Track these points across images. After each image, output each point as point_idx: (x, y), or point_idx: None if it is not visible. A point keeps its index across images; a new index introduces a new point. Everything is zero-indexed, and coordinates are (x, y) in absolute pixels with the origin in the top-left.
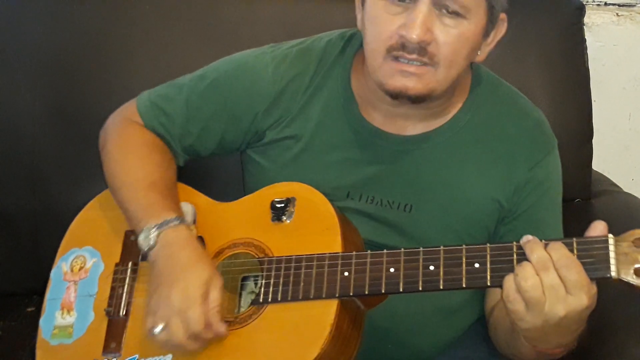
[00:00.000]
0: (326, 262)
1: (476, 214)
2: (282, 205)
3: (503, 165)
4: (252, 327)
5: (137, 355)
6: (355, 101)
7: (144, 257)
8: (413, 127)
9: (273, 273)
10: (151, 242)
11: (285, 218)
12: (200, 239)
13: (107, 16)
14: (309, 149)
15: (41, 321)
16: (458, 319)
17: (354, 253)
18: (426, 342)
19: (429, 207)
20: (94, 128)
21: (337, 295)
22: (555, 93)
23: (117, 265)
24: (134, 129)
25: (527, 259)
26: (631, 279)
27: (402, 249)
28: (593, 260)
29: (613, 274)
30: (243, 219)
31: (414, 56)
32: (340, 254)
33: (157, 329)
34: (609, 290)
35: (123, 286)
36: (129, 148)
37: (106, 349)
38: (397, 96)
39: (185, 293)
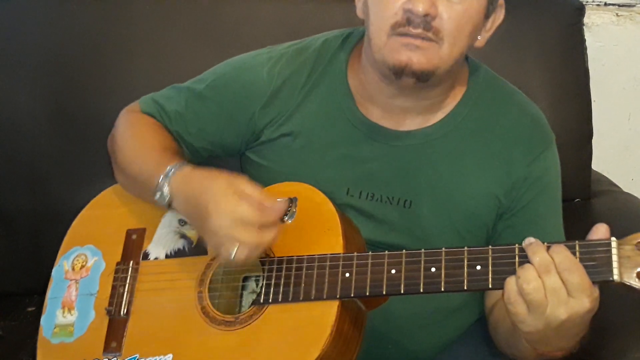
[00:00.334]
0: (327, 263)
1: (475, 209)
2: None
3: (501, 161)
4: (253, 327)
5: (137, 355)
6: (352, 97)
7: (145, 257)
8: (411, 121)
9: (274, 273)
10: (166, 196)
11: (286, 218)
12: (202, 238)
13: (107, 16)
14: (307, 146)
15: (42, 320)
16: (458, 319)
17: (355, 254)
18: (426, 342)
19: (428, 203)
20: (94, 128)
21: (338, 296)
22: (555, 93)
23: (118, 264)
24: (141, 116)
25: (529, 262)
26: (634, 282)
27: (404, 251)
28: (595, 264)
29: (615, 277)
30: None
31: (419, 30)
32: (342, 254)
33: (233, 251)
34: (611, 292)
35: (124, 285)
36: (140, 126)
37: (107, 349)
38: (401, 72)
39: (222, 206)
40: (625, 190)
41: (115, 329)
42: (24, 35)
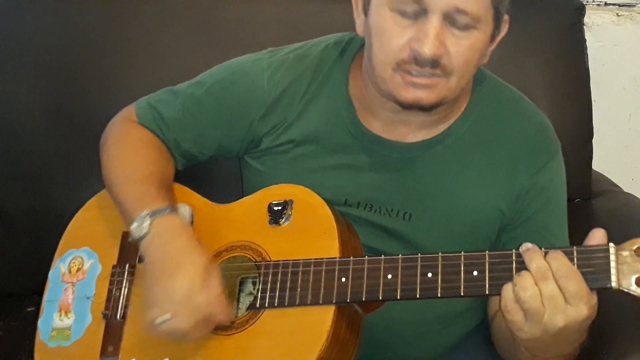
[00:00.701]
0: (323, 267)
1: (477, 222)
2: (280, 207)
3: (505, 172)
4: (249, 332)
5: (134, 359)
6: (353, 107)
7: (141, 259)
8: (413, 134)
9: (270, 278)
10: (144, 231)
11: (282, 221)
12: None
13: (107, 17)
14: (307, 155)
15: (39, 323)
16: (457, 327)
17: (352, 258)
18: (425, 350)
19: (429, 215)
20: (94, 128)
21: (334, 301)
22: (555, 93)
23: (114, 267)
24: (132, 127)
25: (526, 268)
26: (632, 289)
27: (400, 255)
28: (593, 270)
29: (613, 284)
30: (240, 221)
31: (426, 69)
32: (338, 259)
33: (163, 319)
34: (609, 297)
35: (120, 289)
36: (126, 144)
37: (104, 353)
38: (409, 107)
39: (188, 281)
40: (626, 190)
41: (112, 333)
42: (24, 35)
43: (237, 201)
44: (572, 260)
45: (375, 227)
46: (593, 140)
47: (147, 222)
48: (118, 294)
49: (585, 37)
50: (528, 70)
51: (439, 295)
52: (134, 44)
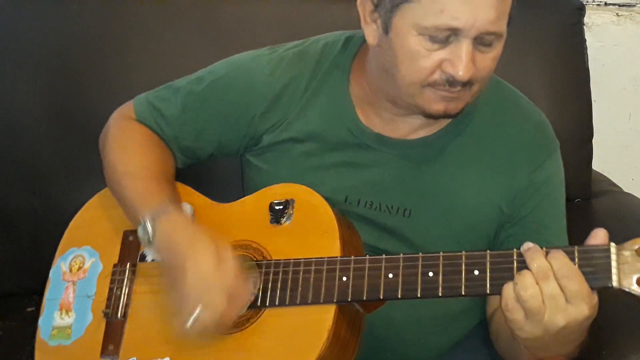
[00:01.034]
0: (324, 266)
1: (476, 219)
2: (281, 207)
3: (503, 170)
4: (250, 331)
5: (134, 358)
6: (353, 105)
7: (142, 258)
8: (413, 131)
9: (271, 277)
10: (149, 234)
11: (283, 220)
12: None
13: (107, 16)
14: (307, 152)
15: (40, 321)
16: (457, 326)
17: (353, 258)
18: (424, 350)
19: (429, 212)
20: (94, 128)
21: (335, 300)
22: (555, 93)
23: (115, 266)
24: (132, 125)
25: (527, 267)
26: (633, 288)
27: (401, 255)
28: (594, 270)
29: (614, 283)
30: (241, 220)
31: (457, 88)
32: (339, 258)
33: (194, 316)
34: (609, 295)
35: (121, 288)
36: (126, 142)
37: (104, 351)
38: (437, 117)
39: (201, 269)
40: (626, 190)
41: (113, 331)
42: (24, 35)
43: (238, 200)
44: (573, 260)
45: (375, 225)
46: (593, 140)
47: (149, 227)
48: (119, 293)
49: (585, 37)
50: (528, 70)
51: (439, 294)
52: (134, 44)
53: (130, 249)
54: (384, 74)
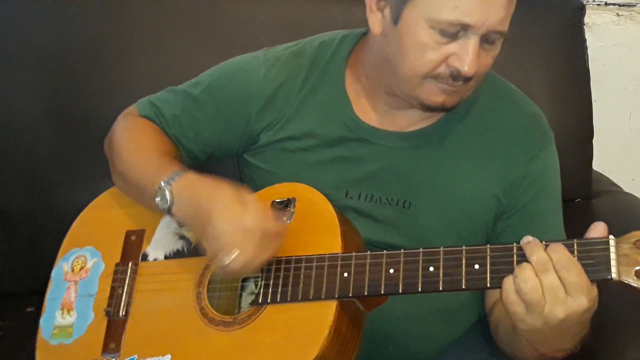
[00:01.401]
0: (325, 263)
1: (474, 209)
2: (283, 205)
3: (500, 160)
4: (251, 327)
5: (136, 356)
6: (349, 101)
7: (144, 257)
8: (409, 122)
9: (272, 274)
10: (167, 202)
11: (285, 219)
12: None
13: (107, 16)
14: (306, 149)
15: (41, 321)
16: (458, 320)
17: (354, 254)
18: (426, 344)
19: (427, 204)
20: (94, 128)
21: (336, 296)
22: (556, 93)
23: (117, 265)
24: (139, 119)
25: (527, 260)
26: (632, 280)
27: (402, 250)
28: (593, 262)
29: (614, 275)
30: None
31: (459, 83)
32: (340, 254)
33: (231, 257)
34: (610, 292)
35: (123, 286)
36: (135, 130)
37: (105, 349)
38: (434, 110)
39: (227, 215)
40: (626, 190)
41: (114, 329)
42: (24, 35)
43: None
44: (572, 252)
45: (375, 218)
46: (593, 140)
47: (167, 192)
48: (121, 292)
49: (586, 37)
50: (528, 70)
51: (440, 288)
52: (134, 44)
53: (132, 249)
54: (384, 64)
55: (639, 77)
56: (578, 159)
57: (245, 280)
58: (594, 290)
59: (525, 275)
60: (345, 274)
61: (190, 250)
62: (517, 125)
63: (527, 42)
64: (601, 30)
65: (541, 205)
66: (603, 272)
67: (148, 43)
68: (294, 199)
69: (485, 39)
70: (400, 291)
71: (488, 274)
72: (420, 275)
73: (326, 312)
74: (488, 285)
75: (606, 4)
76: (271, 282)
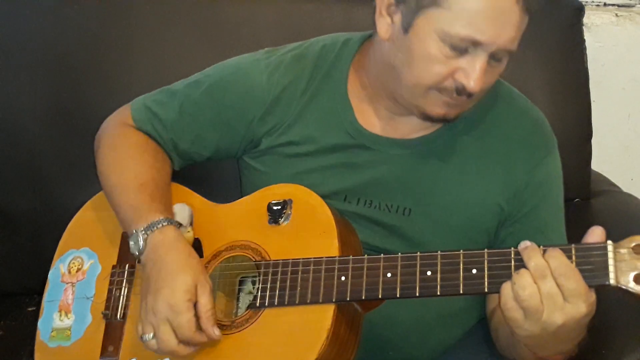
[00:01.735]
0: (323, 266)
1: (476, 217)
2: (279, 207)
3: (502, 167)
4: (249, 331)
5: (134, 359)
6: (351, 108)
7: (139, 261)
8: (413, 131)
9: (270, 277)
10: (140, 247)
11: (282, 220)
12: (197, 240)
13: (107, 16)
14: (306, 154)
15: (39, 323)
16: (458, 324)
17: (351, 257)
18: (426, 348)
19: (428, 211)
20: (94, 128)
21: (334, 300)
22: (555, 93)
23: (114, 267)
24: (127, 131)
25: (524, 266)
26: (630, 285)
27: (400, 254)
28: (592, 267)
29: (612, 281)
30: (240, 221)
31: (463, 97)
32: (337, 258)
33: (146, 337)
34: (608, 294)
35: (120, 289)
36: (121, 150)
37: (104, 353)
38: (434, 120)
39: (171, 300)
40: (625, 190)
41: (112, 332)
42: (24, 35)
43: (236, 201)
44: (570, 258)
45: (374, 223)
46: (592, 140)
47: (141, 240)
48: (118, 294)
49: (585, 37)
50: (528, 71)
51: (438, 293)
52: (134, 43)
53: (129, 251)
54: (389, 70)
55: (638, 77)
56: (577, 159)
57: (242, 282)
58: (592, 296)
59: (523, 281)
60: (343, 278)
61: None
62: (520, 132)
63: (526, 43)
64: (600, 31)
65: (544, 212)
66: (601, 278)
67: (148, 43)
68: (290, 201)
69: (493, 56)
70: (398, 295)
71: (486, 279)
72: (418, 279)
73: (324, 315)
74: (486, 290)
75: (605, 4)
76: (268, 286)
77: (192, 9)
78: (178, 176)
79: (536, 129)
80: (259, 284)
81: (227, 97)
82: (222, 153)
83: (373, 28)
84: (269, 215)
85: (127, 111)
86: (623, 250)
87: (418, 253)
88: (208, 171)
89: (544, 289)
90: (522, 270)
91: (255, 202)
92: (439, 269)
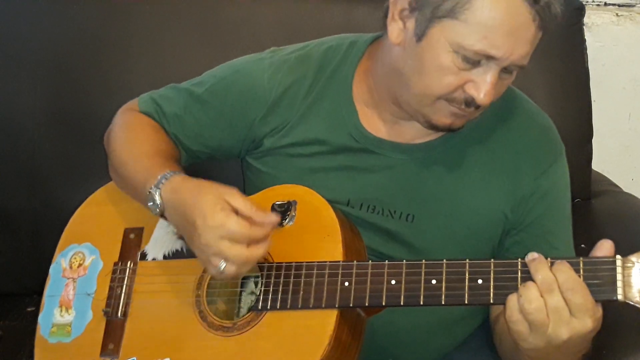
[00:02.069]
0: (326, 271)
1: (480, 224)
2: (283, 208)
3: (508, 174)
4: (251, 334)
5: (134, 358)
6: (356, 111)
7: (143, 257)
8: (417, 136)
9: (272, 280)
10: (158, 204)
11: (286, 222)
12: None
13: (107, 17)
14: (309, 156)
15: (40, 318)
16: (460, 330)
17: (355, 263)
18: (427, 353)
19: (432, 217)
20: (94, 128)
21: (337, 305)
22: (555, 93)
23: (115, 264)
24: (139, 115)
25: (531, 278)
26: (638, 300)
27: (404, 261)
28: (599, 282)
29: (619, 296)
30: None
31: (471, 109)
32: (341, 262)
33: (221, 267)
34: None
35: (122, 286)
36: (134, 126)
37: (104, 350)
38: (439, 129)
39: (209, 222)
40: (626, 191)
41: (113, 330)
42: (24, 35)
43: None
44: (578, 271)
45: (377, 229)
46: (593, 140)
47: (157, 196)
48: (119, 292)
49: (585, 37)
50: (528, 71)
51: (442, 302)
52: (134, 44)
53: (131, 247)
54: (396, 75)
55: (638, 77)
56: (577, 159)
57: (245, 278)
58: (599, 311)
59: (530, 295)
60: (346, 283)
61: (189, 250)
62: (527, 139)
63: None
64: (601, 31)
65: (550, 221)
66: (609, 293)
67: (148, 43)
68: (295, 202)
69: (504, 69)
70: (402, 303)
71: (491, 290)
72: (422, 287)
73: (327, 320)
74: (491, 301)
75: (606, 4)
76: (271, 289)
77: (192, 9)
78: None
79: (543, 136)
80: (261, 286)
81: (230, 96)
82: (225, 152)
83: (377, 30)
84: None
85: (134, 105)
86: (631, 265)
87: (423, 261)
88: (211, 172)
89: (551, 303)
90: (529, 283)
91: (259, 203)
92: (444, 277)
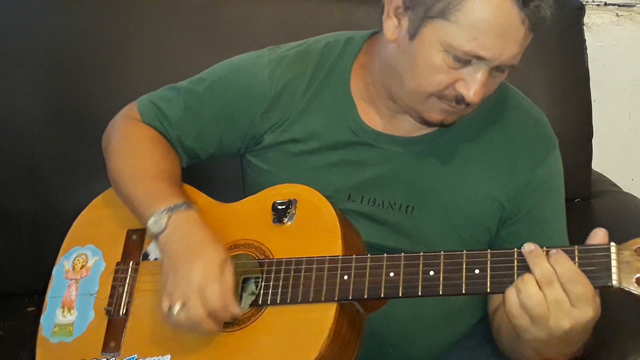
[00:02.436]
0: (326, 265)
1: (477, 214)
2: (284, 207)
3: (504, 165)
4: (251, 329)
5: (135, 355)
6: (354, 105)
7: (145, 257)
8: (415, 129)
9: (273, 275)
10: (162, 226)
11: (286, 220)
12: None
13: (107, 16)
14: (309, 152)
15: (42, 319)
16: (459, 322)
17: (354, 256)
18: (426, 346)
19: (431, 208)
20: (94, 128)
21: (336, 298)
22: (555, 93)
23: (118, 264)
24: (137, 125)
25: (528, 267)
26: (633, 288)
27: (402, 254)
28: (594, 269)
29: (614, 282)
30: (244, 220)
31: (462, 106)
32: (340, 257)
33: (176, 308)
34: (611, 295)
35: (123, 286)
36: (134, 142)
37: (105, 348)
38: (431, 125)
39: (205, 270)
40: (626, 190)
41: (114, 328)
42: (24, 35)
43: (241, 200)
44: (573, 259)
45: (378, 222)
46: (593, 140)
47: (164, 218)
48: (121, 291)
49: (585, 37)
50: (528, 70)
51: (440, 293)
52: (134, 43)
53: (133, 248)
54: (391, 71)
55: (638, 77)
56: (577, 159)
57: (246, 280)
58: (597, 299)
59: (529, 290)
60: (346, 277)
61: None
62: (522, 132)
63: None
64: (601, 31)
65: (545, 211)
66: (604, 279)
67: (148, 43)
68: (295, 200)
69: (495, 68)
70: (400, 295)
71: (488, 279)
72: (420, 279)
73: (326, 314)
74: (488, 290)
75: (606, 4)
76: (271, 284)
77: (192, 9)
78: (182, 175)
79: (537, 129)
80: (261, 282)
81: (230, 92)
82: (226, 149)
83: (376, 27)
84: (273, 214)
85: (134, 108)
86: (626, 252)
87: (421, 253)
88: (211, 170)
89: (551, 296)
90: (527, 277)
91: (260, 202)
92: (441, 268)
